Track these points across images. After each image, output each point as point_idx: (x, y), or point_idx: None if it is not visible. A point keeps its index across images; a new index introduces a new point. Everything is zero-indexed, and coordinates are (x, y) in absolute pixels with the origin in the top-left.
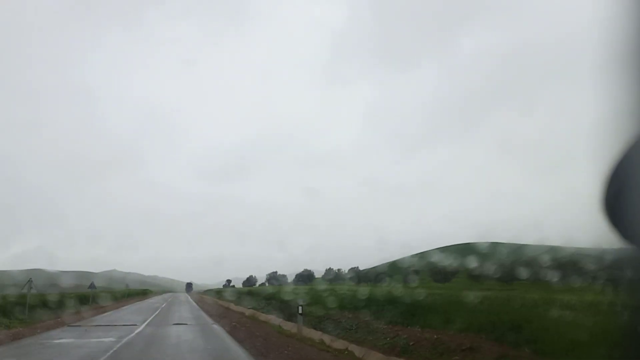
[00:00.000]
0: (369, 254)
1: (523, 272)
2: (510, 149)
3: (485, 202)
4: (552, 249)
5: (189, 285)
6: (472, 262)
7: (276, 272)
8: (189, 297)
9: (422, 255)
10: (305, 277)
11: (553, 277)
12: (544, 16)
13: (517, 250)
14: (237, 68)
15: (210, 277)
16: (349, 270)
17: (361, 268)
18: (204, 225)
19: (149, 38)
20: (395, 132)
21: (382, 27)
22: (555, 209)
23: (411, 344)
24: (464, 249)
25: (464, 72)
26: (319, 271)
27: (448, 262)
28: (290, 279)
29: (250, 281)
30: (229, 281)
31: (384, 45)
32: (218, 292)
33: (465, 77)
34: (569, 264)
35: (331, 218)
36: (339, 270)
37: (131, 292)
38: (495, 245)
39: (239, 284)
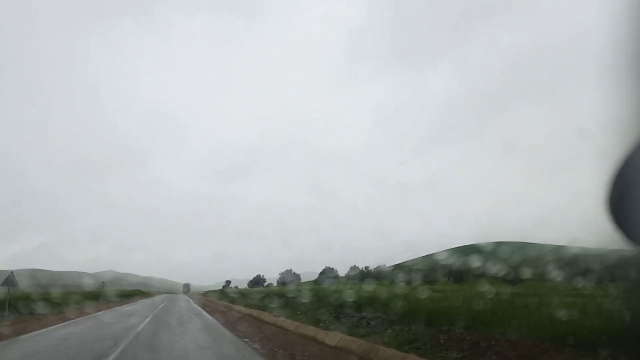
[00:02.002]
0: (379, 253)
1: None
2: (517, 150)
3: (491, 202)
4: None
5: (186, 287)
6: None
7: (290, 269)
8: (191, 300)
9: (445, 254)
10: (326, 276)
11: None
12: (551, 18)
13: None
14: (247, 67)
15: (208, 279)
16: (375, 268)
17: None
18: (203, 226)
19: (158, 35)
20: (407, 132)
21: (398, 27)
22: (560, 210)
23: None
24: (475, 249)
25: (473, 74)
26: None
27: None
28: (304, 278)
29: (257, 281)
30: (228, 282)
31: (399, 45)
32: (223, 294)
33: (474, 79)
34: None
35: (351, 217)
36: (366, 268)
37: (115, 294)
38: (520, 245)
39: (242, 285)
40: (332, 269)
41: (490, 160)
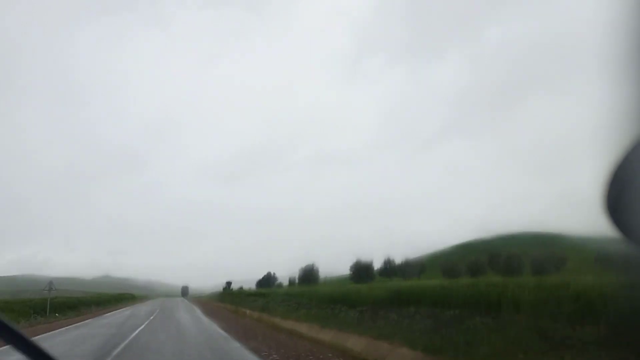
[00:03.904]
0: (383, 249)
1: None
2: (519, 147)
3: (489, 201)
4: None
5: (185, 289)
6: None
7: (312, 264)
8: (196, 308)
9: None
10: (364, 271)
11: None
12: (550, 18)
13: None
14: (251, 64)
15: (207, 280)
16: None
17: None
18: (202, 227)
19: (161, 30)
20: (414, 129)
21: (408, 19)
22: (557, 210)
23: None
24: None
25: (481, 69)
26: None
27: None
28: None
29: (267, 280)
30: (229, 283)
31: (409, 39)
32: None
33: (483, 74)
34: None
35: (355, 213)
36: (409, 259)
37: (89, 300)
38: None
39: (247, 285)
40: (369, 262)
41: (493, 156)
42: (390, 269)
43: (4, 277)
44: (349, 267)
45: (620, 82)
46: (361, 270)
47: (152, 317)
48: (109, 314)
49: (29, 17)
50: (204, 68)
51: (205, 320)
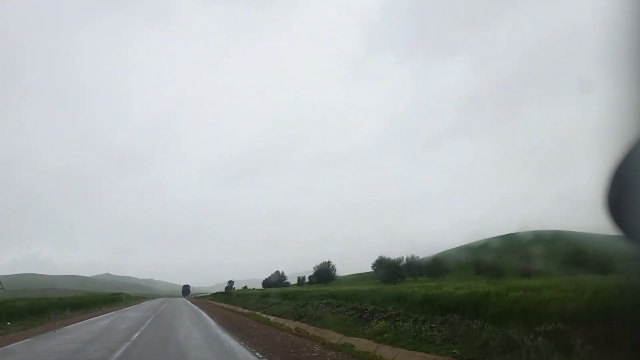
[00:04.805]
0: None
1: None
2: (519, 150)
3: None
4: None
5: (186, 288)
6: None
7: (329, 261)
8: (204, 316)
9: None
10: (393, 270)
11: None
12: (550, 20)
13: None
14: (257, 66)
15: (208, 280)
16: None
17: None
18: (202, 228)
19: (164, 30)
20: (418, 129)
21: (416, 17)
22: (558, 210)
23: None
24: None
25: (489, 68)
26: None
27: None
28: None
29: (276, 279)
30: (231, 282)
31: (417, 38)
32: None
33: (489, 74)
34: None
35: (358, 211)
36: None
37: (62, 302)
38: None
39: (251, 285)
40: (396, 260)
41: (496, 157)
42: (414, 268)
43: (5, 276)
44: (363, 266)
45: (620, 82)
46: (390, 269)
47: (136, 335)
48: (79, 323)
49: (31, 17)
50: (209, 67)
51: (231, 342)
